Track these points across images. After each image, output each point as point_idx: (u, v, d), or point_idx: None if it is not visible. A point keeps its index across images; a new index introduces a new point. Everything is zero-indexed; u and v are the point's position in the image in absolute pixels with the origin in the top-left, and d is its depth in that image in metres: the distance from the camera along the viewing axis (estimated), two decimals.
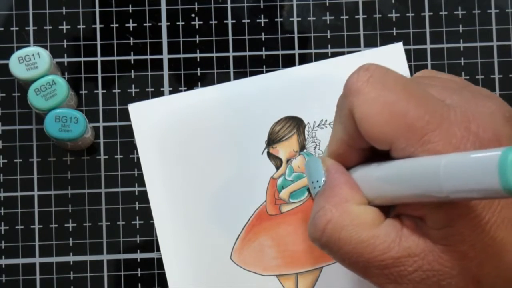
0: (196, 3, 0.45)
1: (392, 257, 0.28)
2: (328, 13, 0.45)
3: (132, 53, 0.44)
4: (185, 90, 0.44)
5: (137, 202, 0.43)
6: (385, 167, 0.29)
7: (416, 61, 0.45)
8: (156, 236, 0.42)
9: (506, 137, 0.28)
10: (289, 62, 0.44)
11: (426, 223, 0.28)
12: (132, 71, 0.44)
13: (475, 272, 0.28)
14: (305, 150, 0.43)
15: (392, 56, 0.44)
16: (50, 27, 0.44)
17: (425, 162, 0.26)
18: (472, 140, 0.27)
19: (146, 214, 0.43)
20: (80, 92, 0.44)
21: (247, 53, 0.44)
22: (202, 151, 0.43)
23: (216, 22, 0.45)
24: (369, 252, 0.29)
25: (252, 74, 0.44)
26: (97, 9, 0.44)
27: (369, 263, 0.29)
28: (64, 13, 0.44)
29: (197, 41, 0.44)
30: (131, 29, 0.44)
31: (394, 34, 0.45)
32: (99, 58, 0.44)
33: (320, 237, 0.30)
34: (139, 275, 0.43)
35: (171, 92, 0.44)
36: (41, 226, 0.43)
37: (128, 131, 0.44)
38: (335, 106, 0.32)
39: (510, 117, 0.30)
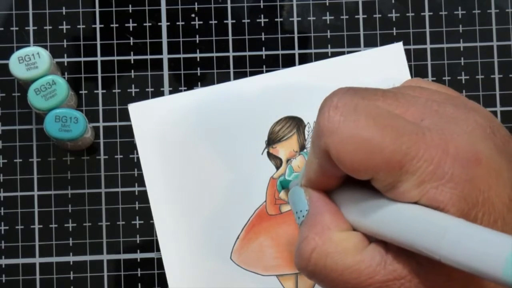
0: (196, 3, 0.45)
1: (378, 281, 0.28)
2: (328, 13, 0.45)
3: (132, 53, 0.44)
4: (185, 90, 0.44)
5: (137, 202, 0.43)
6: (375, 206, 0.29)
7: (416, 61, 0.45)
8: (156, 236, 0.42)
9: (485, 156, 0.28)
10: (289, 62, 0.44)
11: None
12: (132, 71, 0.44)
13: None
14: (305, 150, 0.43)
15: (392, 56, 0.44)
16: (50, 27, 0.44)
17: (427, 219, 0.26)
18: (450, 162, 0.27)
19: (146, 214, 0.43)
20: (80, 92, 0.44)
21: (247, 53, 0.44)
22: (202, 151, 0.43)
23: (216, 22, 0.45)
24: (355, 277, 0.29)
25: (252, 74, 0.44)
26: (97, 9, 0.44)
27: None
28: (64, 13, 0.44)
29: (197, 41, 0.44)
30: (131, 29, 0.44)
31: (394, 34, 0.45)
32: (99, 58, 0.44)
33: (306, 266, 0.31)
34: (139, 275, 0.43)
35: (171, 92, 0.44)
36: (41, 226, 0.43)
37: (128, 131, 0.44)
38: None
39: (492, 132, 0.29)
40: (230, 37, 0.45)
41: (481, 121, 0.30)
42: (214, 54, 0.44)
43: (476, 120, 0.29)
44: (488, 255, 0.23)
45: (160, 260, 0.43)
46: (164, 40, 0.44)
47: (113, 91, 0.44)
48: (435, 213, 0.26)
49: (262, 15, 0.45)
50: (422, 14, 0.45)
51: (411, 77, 0.44)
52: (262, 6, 0.45)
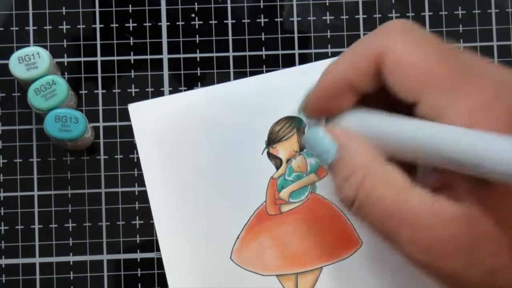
0: (196, 3, 0.45)
1: (425, 220, 0.27)
2: (328, 13, 0.45)
3: (132, 53, 0.44)
4: (185, 90, 0.44)
5: (137, 202, 0.43)
6: (416, 127, 0.27)
7: None
8: (156, 236, 0.42)
9: None
10: (289, 62, 0.44)
11: (460, 187, 0.27)
12: (132, 71, 0.44)
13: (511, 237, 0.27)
14: (305, 150, 0.43)
15: None
16: (50, 27, 0.44)
17: (469, 136, 0.25)
18: (501, 99, 0.26)
19: (146, 214, 0.43)
20: (80, 92, 0.44)
21: (247, 53, 0.44)
22: (202, 151, 0.43)
23: (216, 22, 0.45)
24: (404, 212, 0.27)
25: (252, 74, 0.44)
26: (97, 9, 0.44)
27: (401, 225, 0.27)
28: (64, 13, 0.44)
29: (197, 41, 0.44)
30: (131, 29, 0.44)
31: None
32: (99, 58, 0.44)
33: (354, 197, 0.29)
34: (139, 275, 0.43)
35: (171, 92, 0.44)
36: (41, 226, 0.43)
37: (128, 131, 0.44)
38: None
39: None
40: (230, 37, 0.45)
41: None
42: (214, 54, 0.44)
43: None
44: None
45: (160, 260, 0.43)
46: (164, 40, 0.44)
47: (113, 91, 0.44)
48: (473, 133, 0.26)
49: (262, 15, 0.45)
50: (422, 14, 0.45)
51: None
52: (262, 6, 0.45)
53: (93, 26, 0.44)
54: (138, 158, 0.43)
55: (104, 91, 0.44)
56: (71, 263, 0.43)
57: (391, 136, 0.29)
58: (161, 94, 0.44)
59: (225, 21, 0.45)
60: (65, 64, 0.44)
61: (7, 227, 0.43)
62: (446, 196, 0.27)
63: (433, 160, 0.27)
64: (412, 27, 0.28)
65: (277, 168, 0.43)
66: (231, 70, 0.44)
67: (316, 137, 0.31)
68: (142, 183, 0.43)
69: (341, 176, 0.30)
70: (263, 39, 0.45)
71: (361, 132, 0.30)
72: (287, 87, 0.44)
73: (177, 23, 0.44)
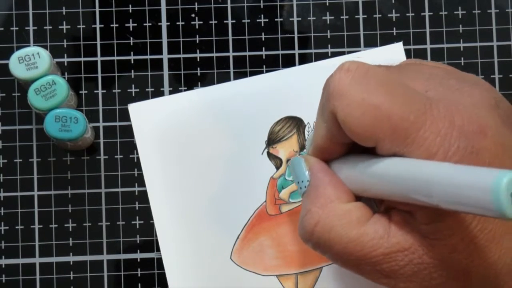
0: (196, 3, 0.45)
1: (382, 253, 0.29)
2: (328, 13, 0.45)
3: (132, 53, 0.44)
4: (185, 90, 0.44)
5: (137, 202, 0.43)
6: (373, 164, 0.29)
7: None
8: (156, 236, 0.42)
9: (491, 128, 0.28)
10: (289, 62, 0.44)
11: (415, 218, 0.28)
12: (132, 71, 0.44)
13: (465, 264, 0.28)
14: (305, 150, 0.43)
15: (392, 56, 0.44)
16: (50, 27, 0.44)
17: (417, 167, 0.26)
18: (456, 135, 0.27)
19: (146, 214, 0.43)
20: (80, 92, 0.44)
21: (247, 53, 0.44)
22: (202, 151, 0.43)
23: (216, 22, 0.45)
24: (358, 250, 0.29)
25: (252, 74, 0.44)
26: (97, 9, 0.44)
27: (360, 260, 0.29)
28: (64, 13, 0.44)
29: (197, 41, 0.44)
30: (131, 29, 0.44)
31: (394, 34, 0.45)
32: (99, 58, 0.44)
33: (310, 239, 0.31)
34: (139, 275, 0.43)
35: (171, 92, 0.44)
36: (41, 226, 0.43)
37: (128, 131, 0.44)
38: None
39: (496, 104, 0.30)
40: (230, 37, 0.45)
41: (485, 93, 0.30)
42: (214, 54, 0.44)
43: (480, 92, 0.29)
44: (475, 190, 0.23)
45: (160, 260, 0.43)
46: (164, 40, 0.44)
47: (113, 91, 0.44)
48: (422, 162, 0.26)
49: (262, 15, 0.45)
50: (422, 14, 0.45)
51: None
52: (262, 6, 0.45)
53: (93, 26, 0.44)
54: (138, 158, 0.43)
55: (104, 91, 0.44)
56: (71, 263, 0.43)
57: (354, 182, 0.31)
58: (161, 94, 0.44)
59: (225, 21, 0.45)
60: (65, 64, 0.44)
61: (7, 227, 0.43)
62: (402, 223, 0.29)
63: (395, 199, 0.28)
64: (355, 75, 0.29)
65: (277, 168, 0.43)
66: (231, 70, 0.44)
67: (296, 166, 0.33)
68: (142, 183, 0.43)
69: (302, 211, 0.31)
70: (263, 39, 0.45)
71: (338, 171, 0.32)
72: (287, 87, 0.44)
73: (177, 23, 0.45)
